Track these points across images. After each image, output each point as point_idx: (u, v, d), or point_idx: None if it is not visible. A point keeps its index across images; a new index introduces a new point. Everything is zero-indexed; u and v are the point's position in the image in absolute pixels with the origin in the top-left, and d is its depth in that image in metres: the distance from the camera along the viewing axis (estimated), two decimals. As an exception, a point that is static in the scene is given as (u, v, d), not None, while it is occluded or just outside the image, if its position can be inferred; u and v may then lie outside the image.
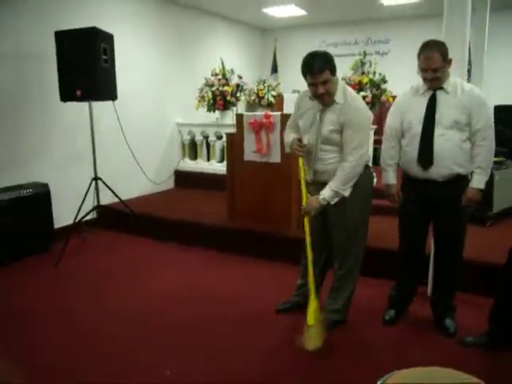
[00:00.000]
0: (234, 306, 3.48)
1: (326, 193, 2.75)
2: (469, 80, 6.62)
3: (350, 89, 2.86)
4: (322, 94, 2.68)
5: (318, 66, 2.62)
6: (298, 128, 2.99)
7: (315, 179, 2.93)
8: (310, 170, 2.95)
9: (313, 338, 2.73)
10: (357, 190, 2.81)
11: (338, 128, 2.74)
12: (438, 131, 2.77)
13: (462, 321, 3.03)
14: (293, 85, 7.29)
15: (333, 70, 2.68)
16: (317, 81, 2.64)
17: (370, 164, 4.81)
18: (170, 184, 7.02)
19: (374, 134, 5.77)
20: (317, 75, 2.63)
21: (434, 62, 2.70)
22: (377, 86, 5.54)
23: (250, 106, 8.53)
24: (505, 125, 5.97)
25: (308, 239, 2.92)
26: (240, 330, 3.11)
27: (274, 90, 8.26)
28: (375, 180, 4.03)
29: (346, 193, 2.76)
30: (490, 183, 4.32)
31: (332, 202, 2.78)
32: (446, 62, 2.75)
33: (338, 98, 2.74)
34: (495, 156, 4.65)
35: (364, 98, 5.44)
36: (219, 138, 6.73)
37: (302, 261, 3.18)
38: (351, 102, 2.73)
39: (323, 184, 2.82)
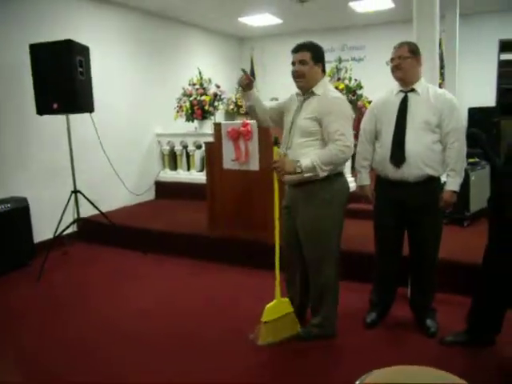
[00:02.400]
0: (215, 314, 3.48)
1: (304, 161, 2.63)
2: (442, 83, 6.80)
3: (332, 86, 2.98)
4: (296, 72, 2.79)
5: (300, 45, 2.82)
6: (274, 112, 3.05)
7: (285, 179, 2.85)
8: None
9: (265, 334, 2.86)
10: (331, 196, 2.79)
11: (314, 116, 2.72)
12: (409, 131, 2.84)
13: (443, 320, 3.07)
14: (270, 92, 7.35)
15: (315, 57, 2.80)
16: (295, 58, 2.80)
17: (349, 169, 4.91)
18: (150, 195, 6.99)
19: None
20: (297, 52, 2.80)
21: (400, 51, 2.89)
22: (353, 91, 5.62)
23: (229, 115, 8.56)
24: (478, 126, 6.10)
25: (277, 230, 2.93)
26: (220, 340, 3.09)
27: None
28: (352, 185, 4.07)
29: (322, 174, 2.66)
30: (465, 184, 4.43)
31: (305, 175, 2.66)
32: (414, 57, 2.89)
33: (318, 90, 2.80)
34: (470, 157, 4.79)
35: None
36: (198, 147, 6.74)
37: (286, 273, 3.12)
38: (331, 93, 2.80)
39: (295, 186, 2.83)
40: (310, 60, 2.77)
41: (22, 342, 3.18)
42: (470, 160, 4.79)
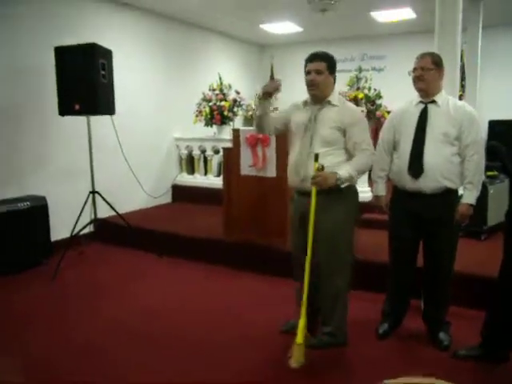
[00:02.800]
0: (226, 320, 3.48)
1: (341, 172, 2.68)
2: (463, 95, 6.75)
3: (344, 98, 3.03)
4: (312, 80, 2.81)
5: (315, 55, 2.85)
6: (278, 121, 3.08)
7: (304, 187, 2.83)
8: (297, 177, 2.87)
9: (297, 356, 2.72)
10: (345, 206, 2.83)
11: (339, 125, 2.77)
12: (428, 143, 2.83)
13: (456, 334, 3.04)
14: (289, 100, 7.36)
15: (330, 68, 2.84)
16: (311, 68, 2.82)
17: (366, 178, 4.89)
18: (167, 198, 7.04)
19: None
20: (312, 62, 2.83)
21: (423, 62, 2.88)
22: (372, 101, 5.61)
23: (247, 121, 8.60)
24: (498, 139, 6.04)
25: (310, 243, 2.80)
26: (232, 346, 3.09)
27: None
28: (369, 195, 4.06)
29: (356, 181, 2.82)
30: (484, 197, 4.40)
31: (342, 185, 2.74)
32: (437, 69, 2.88)
33: (334, 100, 2.85)
34: (489, 170, 4.74)
35: (359, 113, 5.52)
36: (216, 152, 6.78)
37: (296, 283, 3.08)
38: (349, 105, 2.89)
39: (310, 195, 2.75)
40: (325, 70, 2.81)
41: (29, 340, 3.22)
42: (489, 173, 4.74)
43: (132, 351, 3.03)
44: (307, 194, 2.79)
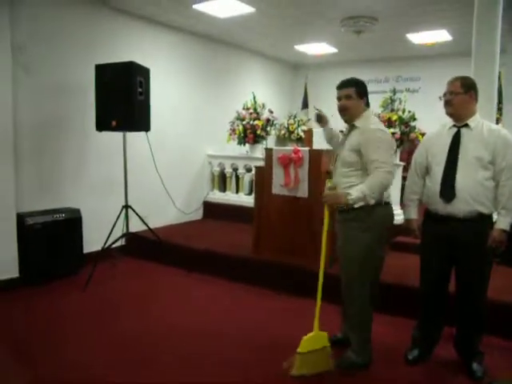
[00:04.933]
0: (247, 339, 3.47)
1: (354, 192, 2.74)
2: (500, 119, 6.62)
3: (376, 118, 3.08)
4: (340, 106, 2.97)
5: (345, 82, 2.99)
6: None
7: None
8: None
9: (299, 366, 2.82)
10: (367, 225, 2.85)
11: (354, 147, 2.86)
12: (460, 167, 2.79)
13: (490, 365, 2.94)
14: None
15: (359, 92, 2.95)
16: (339, 94, 2.98)
17: (398, 200, 4.83)
18: (198, 214, 7.11)
19: (402, 170, 5.76)
20: (341, 89, 2.98)
21: (452, 86, 2.87)
22: (406, 123, 5.56)
23: (280, 140, 8.63)
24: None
25: (323, 258, 2.98)
26: (248, 365, 3.08)
27: (304, 124, 8.36)
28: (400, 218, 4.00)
29: (372, 201, 2.77)
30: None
31: (356, 205, 2.79)
32: (467, 92, 2.84)
33: (359, 123, 2.92)
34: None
35: (393, 134, 5.47)
36: (248, 170, 6.82)
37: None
38: (371, 125, 2.89)
39: (341, 211, 2.92)
40: (354, 94, 2.93)
41: (59, 345, 3.29)
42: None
43: (153, 366, 3.05)
44: (340, 211, 2.95)
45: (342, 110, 2.97)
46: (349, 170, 2.89)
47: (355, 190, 2.74)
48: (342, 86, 2.98)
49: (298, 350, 2.84)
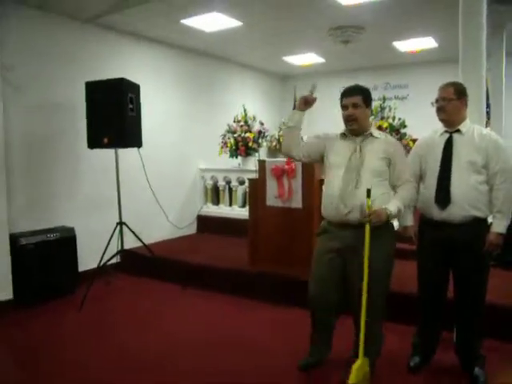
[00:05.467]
0: (253, 354, 3.43)
1: (392, 208, 2.69)
2: (488, 122, 6.67)
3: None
4: (349, 115, 2.80)
5: (351, 89, 2.86)
6: (312, 147, 3.02)
7: (349, 219, 2.76)
8: (345, 208, 2.76)
9: None
10: (386, 239, 2.83)
11: (386, 156, 2.79)
12: (454, 172, 2.81)
13: (491, 368, 2.93)
14: (312, 130, 7.40)
15: (366, 101, 2.84)
16: (347, 102, 2.82)
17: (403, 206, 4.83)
18: (192, 229, 7.08)
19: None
20: (348, 96, 2.83)
21: (445, 92, 2.88)
22: (396, 130, 5.60)
23: (272, 152, 8.65)
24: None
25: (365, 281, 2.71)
26: (248, 379, 3.06)
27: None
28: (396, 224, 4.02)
29: (401, 216, 2.87)
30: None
31: (391, 220, 2.77)
32: (460, 98, 2.86)
33: (375, 133, 2.87)
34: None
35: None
36: (241, 183, 6.82)
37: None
38: (390, 137, 2.92)
39: (353, 227, 2.74)
40: (362, 103, 2.81)
41: (52, 366, 3.27)
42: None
43: (154, 380, 3.02)
44: (350, 226, 2.77)
45: (350, 120, 2.81)
46: (379, 179, 2.77)
47: (392, 205, 2.70)
48: (349, 93, 2.84)
49: (350, 381, 2.61)
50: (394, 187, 2.83)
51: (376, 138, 2.85)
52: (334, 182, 2.83)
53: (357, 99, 2.80)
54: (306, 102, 2.95)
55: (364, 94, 2.84)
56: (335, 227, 2.85)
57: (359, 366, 2.67)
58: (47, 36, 4.95)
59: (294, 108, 8.70)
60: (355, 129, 2.83)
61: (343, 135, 2.92)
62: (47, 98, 4.98)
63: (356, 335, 2.94)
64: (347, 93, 2.85)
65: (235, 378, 3.07)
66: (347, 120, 2.84)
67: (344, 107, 2.85)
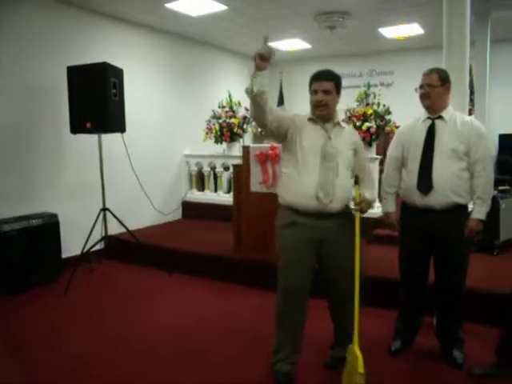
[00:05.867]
0: (236, 338, 3.46)
1: (369, 196, 2.76)
2: (472, 110, 6.73)
3: None
4: (320, 101, 2.65)
5: (323, 73, 2.72)
6: (277, 120, 2.66)
7: (328, 209, 2.65)
8: (326, 198, 2.63)
9: None
10: (353, 226, 2.69)
11: (354, 147, 2.76)
12: (436, 159, 2.83)
13: (470, 351, 3.00)
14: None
15: (337, 87, 2.72)
16: (319, 87, 2.67)
17: (376, 194, 4.88)
18: (177, 215, 7.07)
19: (379, 164, 5.80)
20: (321, 81, 2.68)
21: (429, 79, 2.88)
22: (381, 117, 5.60)
23: (257, 138, 8.61)
24: (509, 153, 5.99)
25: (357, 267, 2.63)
26: (236, 364, 3.08)
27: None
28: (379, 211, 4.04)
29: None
30: (496, 212, 4.37)
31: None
32: (444, 85, 2.88)
33: (342, 123, 2.80)
34: (501, 184, 4.71)
35: (369, 128, 5.52)
36: (226, 169, 6.81)
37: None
38: (351, 127, 2.84)
39: (332, 217, 2.67)
40: (333, 89, 2.68)
41: (35, 353, 3.26)
42: (501, 188, 4.71)
43: (135, 368, 3.03)
44: (328, 216, 2.67)
45: (320, 106, 2.66)
46: (348, 170, 2.72)
47: (369, 194, 2.75)
48: (321, 78, 2.69)
49: (359, 370, 2.48)
50: (355, 177, 2.74)
51: (343, 127, 2.78)
52: (310, 170, 2.66)
53: (329, 85, 2.66)
54: (263, 58, 2.48)
55: (336, 81, 2.71)
56: (310, 218, 2.67)
57: (361, 355, 2.56)
58: (28, 18, 4.84)
59: (280, 96, 8.40)
60: (324, 115, 2.68)
61: (312, 120, 2.75)
62: (28, 82, 4.89)
63: (336, 323, 2.94)
64: (319, 77, 2.70)
65: (222, 360, 3.10)
66: (317, 105, 2.68)
67: (314, 92, 2.70)
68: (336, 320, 2.95)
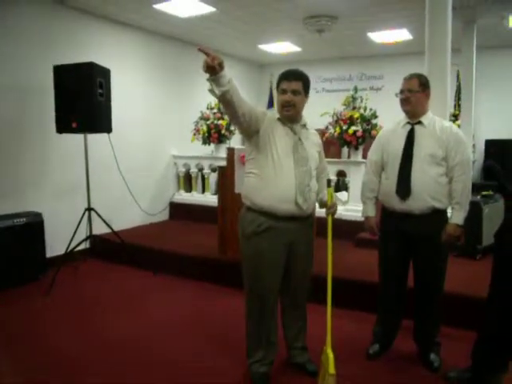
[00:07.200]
0: (219, 339, 3.47)
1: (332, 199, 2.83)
2: (459, 115, 6.79)
3: None
4: (287, 101, 2.61)
5: (292, 73, 2.69)
6: (250, 114, 2.57)
7: (303, 212, 2.66)
8: (304, 201, 2.63)
9: None
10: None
11: (319, 149, 2.84)
12: (415, 164, 2.84)
13: (447, 355, 3.01)
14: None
15: (305, 89, 2.69)
16: (288, 86, 2.63)
17: (357, 199, 4.89)
18: (164, 215, 7.06)
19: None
20: (290, 81, 2.64)
21: (409, 84, 2.91)
22: (367, 120, 5.64)
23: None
24: (494, 158, 6.04)
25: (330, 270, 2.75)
26: (217, 364, 3.09)
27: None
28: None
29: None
30: (478, 217, 4.40)
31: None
32: (424, 91, 2.91)
33: (308, 124, 2.81)
34: (485, 190, 4.75)
35: (355, 132, 5.55)
36: (214, 170, 6.81)
37: None
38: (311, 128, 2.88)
39: (300, 219, 2.69)
40: (302, 90, 2.66)
41: (18, 352, 3.25)
42: (484, 193, 4.75)
43: (119, 368, 3.02)
44: (298, 219, 2.67)
45: (288, 106, 2.62)
46: (316, 173, 2.76)
47: (334, 197, 2.83)
48: (290, 77, 2.65)
49: (331, 371, 2.53)
50: (317, 178, 2.80)
51: (308, 129, 2.80)
52: (287, 173, 2.60)
53: (298, 85, 2.63)
54: (209, 67, 2.36)
55: (304, 80, 2.68)
56: (284, 221, 2.64)
57: (332, 356, 2.60)
58: (14, 16, 4.83)
59: (270, 98, 8.39)
60: (291, 115, 2.64)
61: (281, 120, 2.69)
62: (13, 81, 4.87)
63: (289, 327, 2.98)
64: (288, 77, 2.66)
65: (201, 362, 3.11)
66: (284, 105, 2.63)
67: (283, 91, 2.65)
68: (289, 323, 2.98)
